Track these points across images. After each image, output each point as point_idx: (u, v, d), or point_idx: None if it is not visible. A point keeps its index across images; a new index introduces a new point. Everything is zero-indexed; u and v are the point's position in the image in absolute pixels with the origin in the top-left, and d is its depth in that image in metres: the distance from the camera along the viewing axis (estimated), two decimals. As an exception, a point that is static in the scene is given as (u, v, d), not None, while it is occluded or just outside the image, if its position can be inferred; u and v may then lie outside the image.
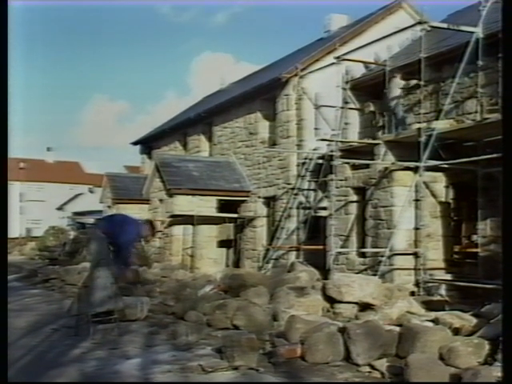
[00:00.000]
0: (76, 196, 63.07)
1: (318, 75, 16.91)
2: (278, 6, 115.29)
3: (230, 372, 6.61)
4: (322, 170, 15.46)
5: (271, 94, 18.35)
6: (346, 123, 15.51)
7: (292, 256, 16.68)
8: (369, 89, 15.65)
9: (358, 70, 16.35)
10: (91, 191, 59.15)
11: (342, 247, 13.82)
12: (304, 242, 16.26)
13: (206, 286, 12.56)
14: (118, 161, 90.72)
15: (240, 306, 9.49)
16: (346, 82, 15.32)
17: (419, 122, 12.53)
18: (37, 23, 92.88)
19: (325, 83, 15.80)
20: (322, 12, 73.19)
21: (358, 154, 13.49)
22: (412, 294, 11.33)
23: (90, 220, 29.97)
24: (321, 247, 14.45)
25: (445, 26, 12.76)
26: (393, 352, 7.04)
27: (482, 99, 11.79)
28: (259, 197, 18.96)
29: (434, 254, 12.41)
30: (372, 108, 15.62)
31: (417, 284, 11.84)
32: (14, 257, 32.02)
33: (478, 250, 11.52)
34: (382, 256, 12.23)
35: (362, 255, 13.41)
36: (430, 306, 10.25)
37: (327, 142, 15.11)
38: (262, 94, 18.94)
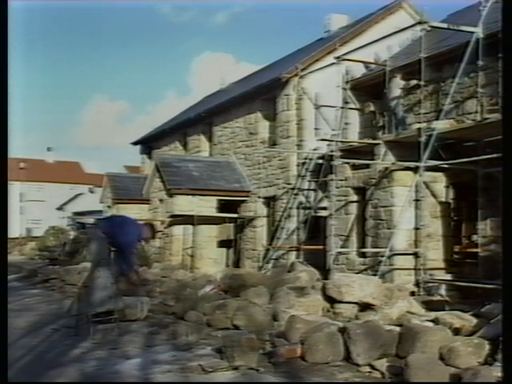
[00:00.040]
0: (76, 196, 63.10)
1: (318, 75, 16.91)
2: (278, 5, 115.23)
3: (230, 372, 6.61)
4: (322, 170, 15.46)
5: (271, 93, 18.35)
6: (346, 123, 15.51)
7: (292, 256, 16.68)
8: (369, 89, 15.64)
9: (358, 70, 16.35)
10: (91, 191, 59.19)
11: (342, 247, 13.82)
12: (304, 241, 16.26)
13: (206, 286, 12.56)
14: (118, 161, 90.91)
15: (240, 306, 9.49)
16: (346, 82, 15.32)
17: (419, 122, 12.52)
18: (37, 23, 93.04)
19: (325, 83, 15.80)
20: (322, 12, 73.23)
21: (358, 153, 13.49)
22: (412, 294, 11.33)
23: (90, 220, 30.00)
24: (321, 247, 14.45)
25: (445, 26, 12.76)
26: (393, 352, 7.04)
27: (482, 99, 11.79)
28: (259, 197, 18.96)
29: (434, 254, 12.41)
30: (372, 108, 15.62)
31: (417, 284, 11.85)
32: (14, 257, 32.03)
33: (478, 249, 11.52)
34: (382, 256, 12.23)
35: (362, 255, 13.41)
36: (430, 305, 10.25)
37: (327, 142, 15.11)
38: (262, 93, 18.93)
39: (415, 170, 12.01)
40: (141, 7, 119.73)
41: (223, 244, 20.15)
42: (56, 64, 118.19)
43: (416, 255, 12.18)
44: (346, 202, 14.01)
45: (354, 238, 13.90)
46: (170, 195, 19.06)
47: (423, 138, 11.55)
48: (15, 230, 48.79)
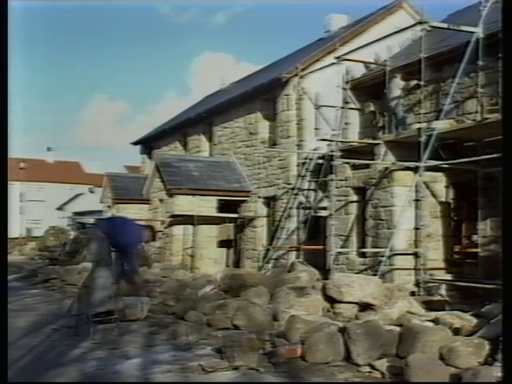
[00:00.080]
0: (76, 196, 63.10)
1: (318, 75, 16.92)
2: (278, 5, 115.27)
3: (230, 372, 6.61)
4: (322, 170, 15.46)
5: (271, 93, 18.35)
6: (346, 123, 15.51)
7: (292, 256, 16.68)
8: (369, 89, 15.64)
9: (358, 70, 16.35)
10: (91, 191, 59.18)
11: (342, 247, 13.82)
12: (304, 242, 16.26)
13: (206, 286, 12.56)
14: (118, 161, 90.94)
15: (240, 306, 9.49)
16: (346, 82, 15.32)
17: (419, 122, 12.53)
18: (37, 23, 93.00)
19: (325, 83, 15.80)
20: (322, 12, 73.08)
21: (358, 153, 13.49)
22: (412, 294, 11.33)
23: (90, 220, 29.97)
24: (321, 247, 14.45)
25: (445, 25, 12.76)
26: (393, 352, 7.04)
27: (482, 99, 11.78)
28: (259, 197, 18.96)
29: (434, 254, 12.41)
30: (372, 108, 15.62)
31: (417, 284, 11.85)
32: (14, 257, 32.02)
33: (478, 249, 11.52)
34: (382, 256, 12.23)
35: (362, 255, 13.41)
36: (430, 306, 10.25)
37: (327, 142, 15.12)
38: (262, 93, 18.94)
39: (415, 170, 12.01)
40: (141, 7, 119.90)
41: (223, 244, 20.15)
42: (56, 64, 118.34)
43: (416, 255, 12.18)
44: (346, 201, 14.01)
45: (354, 238, 13.90)
46: (170, 195, 19.06)
47: (423, 138, 11.55)
48: (15, 229, 48.79)
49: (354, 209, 13.97)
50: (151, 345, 8.05)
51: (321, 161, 15.93)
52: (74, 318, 8.97)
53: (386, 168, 12.57)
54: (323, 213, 15.64)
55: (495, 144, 9.92)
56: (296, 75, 17.24)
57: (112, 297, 8.96)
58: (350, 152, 13.76)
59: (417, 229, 12.25)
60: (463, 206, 12.77)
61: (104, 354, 7.49)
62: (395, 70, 14.17)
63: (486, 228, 11.41)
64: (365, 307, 9.97)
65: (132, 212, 22.26)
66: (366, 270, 13.01)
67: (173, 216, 19.42)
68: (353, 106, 15.90)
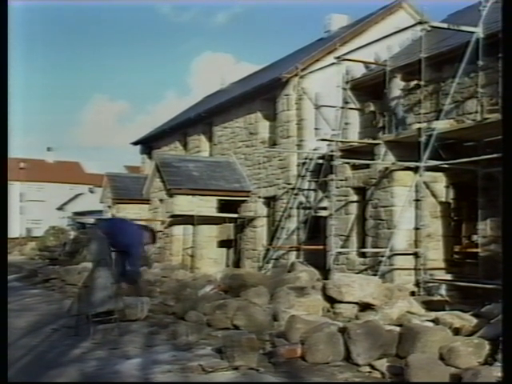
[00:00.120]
0: (76, 196, 63.10)
1: (318, 75, 16.92)
2: (278, 5, 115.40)
3: (230, 372, 6.61)
4: (322, 170, 15.46)
5: (271, 94, 18.35)
6: (346, 123, 15.51)
7: (292, 256, 16.68)
8: (369, 89, 15.65)
9: (359, 70, 16.35)
10: (91, 191, 59.17)
11: (342, 247, 13.82)
12: (304, 241, 16.26)
13: (206, 285, 12.56)
14: (118, 161, 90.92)
15: (240, 306, 9.49)
16: (347, 82, 15.32)
17: (419, 122, 12.53)
18: (37, 23, 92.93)
19: (325, 83, 15.81)
20: (322, 12, 73.19)
21: (358, 153, 13.49)
22: (412, 294, 11.33)
23: (90, 220, 29.92)
24: (321, 247, 14.45)
25: (445, 25, 12.76)
26: (393, 352, 7.04)
27: (482, 99, 11.78)
28: (259, 197, 18.96)
29: (434, 254, 12.41)
30: (372, 108, 15.62)
31: (417, 284, 11.85)
32: (14, 257, 32.02)
33: (478, 249, 11.52)
34: (383, 256, 12.23)
35: (363, 255, 13.41)
36: (430, 306, 10.25)
37: (327, 142, 15.11)
38: (262, 94, 18.93)
39: (415, 169, 12.01)
40: (141, 7, 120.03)
41: (223, 244, 20.15)
42: (56, 64, 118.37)
43: (416, 255, 12.18)
44: (346, 201, 14.01)
45: (354, 238, 13.90)
46: (170, 195, 19.06)
47: (423, 138, 11.55)
48: (15, 229, 48.78)
49: (354, 209, 13.97)
50: (151, 345, 8.05)
51: (321, 161, 15.93)
52: (74, 318, 8.97)
53: (386, 168, 12.57)
54: (323, 213, 15.64)
55: (495, 144, 9.93)
56: (296, 75, 17.24)
57: (112, 297, 8.96)
58: (350, 152, 13.76)
59: (417, 229, 12.25)
60: (463, 206, 12.77)
61: (104, 354, 7.49)
62: (395, 70, 14.18)
63: (486, 228, 11.41)
64: (365, 307, 9.97)
65: (132, 212, 22.29)
66: (366, 270, 13.01)
67: (173, 216, 19.42)
68: (353, 106, 15.90)
